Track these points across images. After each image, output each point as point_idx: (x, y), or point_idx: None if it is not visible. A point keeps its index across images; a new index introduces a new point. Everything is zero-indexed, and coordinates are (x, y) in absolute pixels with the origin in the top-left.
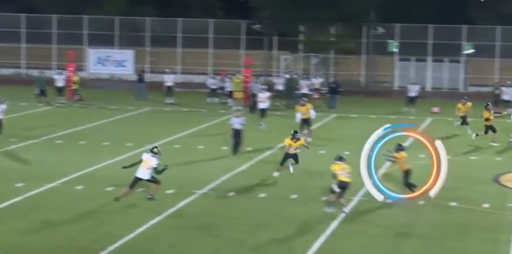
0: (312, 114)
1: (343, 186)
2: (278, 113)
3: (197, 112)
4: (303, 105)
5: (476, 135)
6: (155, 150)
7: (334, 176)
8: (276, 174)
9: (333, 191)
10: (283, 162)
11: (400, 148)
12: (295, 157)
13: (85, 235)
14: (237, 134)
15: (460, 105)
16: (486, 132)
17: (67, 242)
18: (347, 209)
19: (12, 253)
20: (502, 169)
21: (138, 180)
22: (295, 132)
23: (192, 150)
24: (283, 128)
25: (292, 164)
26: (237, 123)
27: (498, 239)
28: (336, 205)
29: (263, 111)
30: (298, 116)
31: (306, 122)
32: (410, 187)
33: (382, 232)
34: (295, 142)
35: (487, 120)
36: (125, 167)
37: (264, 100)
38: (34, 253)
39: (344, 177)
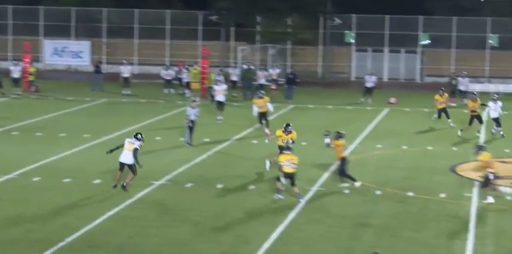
0: (270, 107)
1: (288, 176)
2: (236, 104)
3: (154, 104)
4: (261, 97)
5: (461, 130)
6: (139, 136)
7: (280, 168)
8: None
9: (279, 179)
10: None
11: (339, 135)
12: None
13: (42, 227)
14: (191, 124)
15: (437, 97)
16: (470, 123)
17: (23, 234)
18: (302, 197)
19: None
20: (458, 159)
21: (123, 165)
22: (288, 124)
23: (149, 141)
24: (240, 120)
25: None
26: (192, 113)
27: (455, 228)
28: (284, 191)
29: (220, 104)
30: (255, 109)
31: (263, 116)
32: (349, 177)
33: (339, 222)
34: (286, 135)
35: (473, 111)
36: (109, 152)
37: (220, 92)
38: None
39: (288, 168)
